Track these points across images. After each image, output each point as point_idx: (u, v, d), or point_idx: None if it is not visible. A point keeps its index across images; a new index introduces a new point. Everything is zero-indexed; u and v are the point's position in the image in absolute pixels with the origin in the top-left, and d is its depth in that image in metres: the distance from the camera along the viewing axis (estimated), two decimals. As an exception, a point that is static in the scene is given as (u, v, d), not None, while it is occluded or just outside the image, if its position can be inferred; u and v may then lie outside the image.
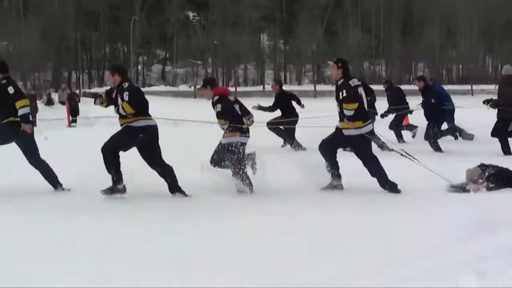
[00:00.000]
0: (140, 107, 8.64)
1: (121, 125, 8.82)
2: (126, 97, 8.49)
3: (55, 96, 39.07)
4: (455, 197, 8.53)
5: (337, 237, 6.35)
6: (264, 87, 59.85)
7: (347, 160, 9.54)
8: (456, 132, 16.72)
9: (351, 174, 9.30)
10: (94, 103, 9.18)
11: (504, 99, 13.39)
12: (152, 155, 8.74)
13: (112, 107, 8.96)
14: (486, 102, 13.85)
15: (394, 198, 8.63)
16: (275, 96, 15.62)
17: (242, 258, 5.53)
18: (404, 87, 28.43)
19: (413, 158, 9.51)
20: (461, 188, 8.96)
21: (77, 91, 31.11)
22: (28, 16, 67.54)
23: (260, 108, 14.96)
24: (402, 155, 9.66)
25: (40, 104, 31.77)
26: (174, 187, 8.78)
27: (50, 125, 20.58)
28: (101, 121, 21.00)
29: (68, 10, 70.02)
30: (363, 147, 9.10)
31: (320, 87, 56.49)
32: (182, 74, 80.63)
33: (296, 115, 15.17)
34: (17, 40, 63.36)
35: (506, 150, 13.26)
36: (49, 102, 37.72)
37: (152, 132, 8.73)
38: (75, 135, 13.20)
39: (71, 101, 24.44)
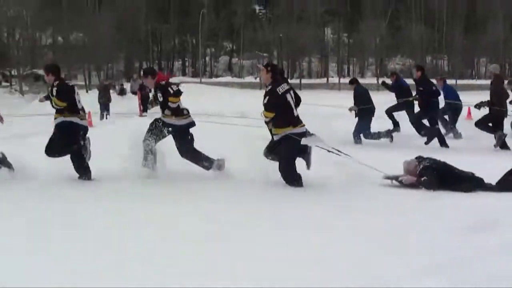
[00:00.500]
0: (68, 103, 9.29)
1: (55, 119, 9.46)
2: (54, 93, 9.28)
3: (127, 86, 39.66)
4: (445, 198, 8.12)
5: (333, 234, 6.12)
6: (327, 80, 59.64)
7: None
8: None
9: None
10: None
11: (494, 98, 13.38)
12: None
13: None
14: (478, 106, 13.70)
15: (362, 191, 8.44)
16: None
17: (240, 258, 5.27)
18: (466, 82, 27.78)
19: (342, 152, 9.36)
20: (395, 179, 8.87)
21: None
22: (102, 9, 68.70)
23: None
24: (329, 151, 9.32)
25: (113, 94, 32.27)
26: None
27: (122, 115, 20.85)
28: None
29: (140, 3, 70.98)
30: (286, 146, 8.77)
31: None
32: (248, 65, 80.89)
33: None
34: (92, 32, 64.49)
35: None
36: (122, 92, 38.40)
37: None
38: (144, 124, 13.47)
39: (142, 91, 24.79)
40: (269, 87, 8.78)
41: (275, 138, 8.85)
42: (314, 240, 5.84)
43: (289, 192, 8.45)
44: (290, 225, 6.47)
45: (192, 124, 9.61)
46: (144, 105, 24.24)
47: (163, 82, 9.53)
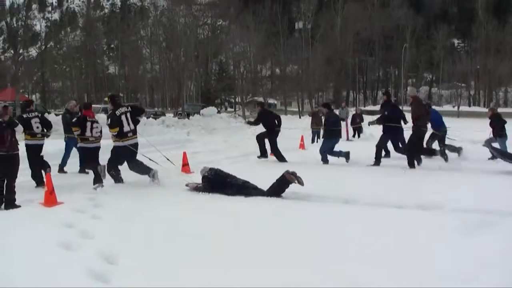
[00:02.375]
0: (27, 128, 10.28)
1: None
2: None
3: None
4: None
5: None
6: (522, 108, 55.51)
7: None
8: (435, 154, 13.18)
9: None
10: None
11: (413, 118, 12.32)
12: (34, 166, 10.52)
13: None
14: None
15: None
16: (257, 113, 15.43)
17: (237, 260, 4.91)
18: None
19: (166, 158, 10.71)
20: (187, 185, 9.16)
21: (355, 109, 30.83)
22: (315, 45, 69.73)
23: (248, 122, 16.09)
24: (150, 159, 10.40)
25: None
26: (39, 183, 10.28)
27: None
28: (375, 138, 20.50)
29: (348, 39, 71.48)
30: (124, 154, 9.99)
31: None
32: (447, 95, 78.98)
33: (274, 130, 14.67)
34: (305, 65, 65.72)
35: (411, 164, 12.15)
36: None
37: (31, 149, 10.54)
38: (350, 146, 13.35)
39: (352, 119, 24.38)
40: (110, 111, 10.21)
41: (114, 144, 10.13)
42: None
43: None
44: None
45: (97, 148, 10.94)
46: (355, 131, 23.80)
47: (80, 115, 11.10)
